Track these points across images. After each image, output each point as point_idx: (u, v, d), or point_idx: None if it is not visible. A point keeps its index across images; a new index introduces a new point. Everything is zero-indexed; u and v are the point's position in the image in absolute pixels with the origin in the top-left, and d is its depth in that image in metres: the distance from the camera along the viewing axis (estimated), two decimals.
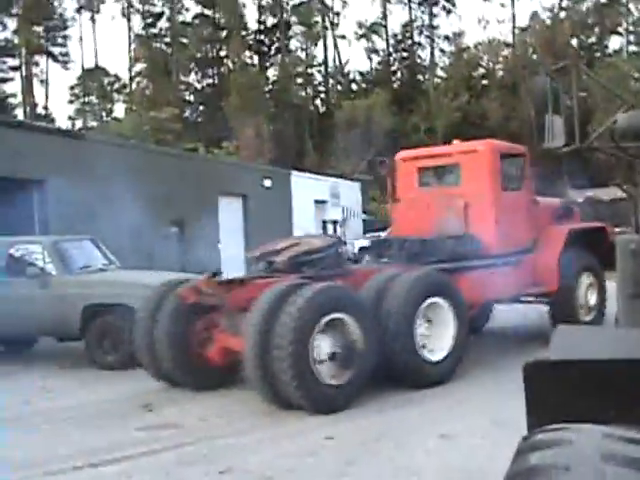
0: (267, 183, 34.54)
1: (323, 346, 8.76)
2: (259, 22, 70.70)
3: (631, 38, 68.18)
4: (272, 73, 70.95)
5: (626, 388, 2.73)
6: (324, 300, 8.87)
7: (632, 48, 67.13)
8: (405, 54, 70.66)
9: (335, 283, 9.56)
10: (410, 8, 69.31)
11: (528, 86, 46.11)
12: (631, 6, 67.14)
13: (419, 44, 70.72)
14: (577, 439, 2.48)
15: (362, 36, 69.20)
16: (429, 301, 10.04)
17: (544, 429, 2.61)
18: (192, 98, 71.61)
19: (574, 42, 62.84)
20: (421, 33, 70.31)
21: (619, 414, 2.72)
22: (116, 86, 70.20)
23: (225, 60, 70.30)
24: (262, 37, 71.15)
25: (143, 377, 10.67)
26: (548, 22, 64.26)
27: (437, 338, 10.11)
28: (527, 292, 12.74)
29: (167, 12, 69.68)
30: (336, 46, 69.45)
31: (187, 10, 70.23)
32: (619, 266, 5.27)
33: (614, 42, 67.77)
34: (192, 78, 71.21)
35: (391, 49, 70.31)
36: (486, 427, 7.67)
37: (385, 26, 69.46)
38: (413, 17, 69.82)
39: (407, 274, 10.14)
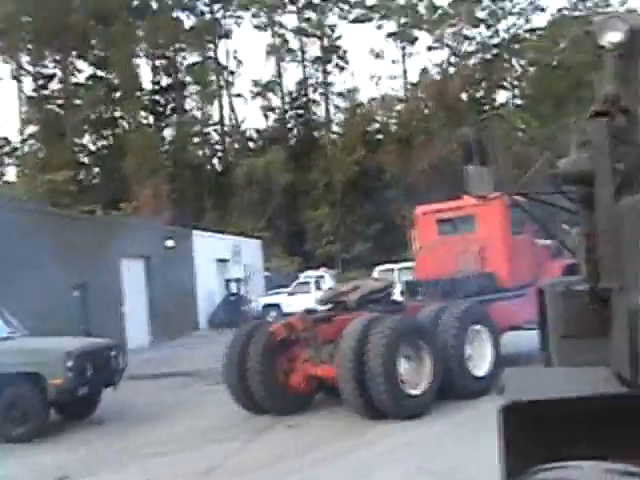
0: (169, 243, 34.15)
1: (405, 366, 11.21)
2: (154, 82, 70.43)
3: (516, 92, 70.79)
4: (169, 133, 70.61)
5: (596, 422, 2.92)
6: (405, 326, 11.47)
7: (517, 101, 69.66)
8: (301, 111, 71.29)
9: (407, 315, 12.34)
10: (304, 66, 70.27)
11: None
12: (514, 62, 69.85)
13: (314, 101, 71.57)
14: (581, 476, 2.46)
15: (258, 94, 69.63)
16: (473, 328, 12.47)
17: (542, 468, 2.58)
18: (87, 160, 70.53)
19: (464, 96, 64.75)
20: (315, 90, 71.23)
21: (597, 448, 2.75)
22: (6, 149, 68.52)
23: (120, 121, 69.62)
24: (157, 97, 70.84)
25: (56, 448, 10.26)
26: (437, 77, 66.12)
27: (478, 358, 12.40)
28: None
29: (59, 74, 68.74)
30: (232, 105, 69.74)
31: (80, 71, 69.43)
32: (550, 309, 5.36)
33: (501, 96, 70.18)
34: (87, 139, 70.18)
35: (287, 106, 70.81)
36: None
37: (280, 84, 70.09)
38: (307, 75, 70.75)
39: (455, 306, 12.59)
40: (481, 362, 12.43)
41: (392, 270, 33.37)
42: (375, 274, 33.55)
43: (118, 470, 9.26)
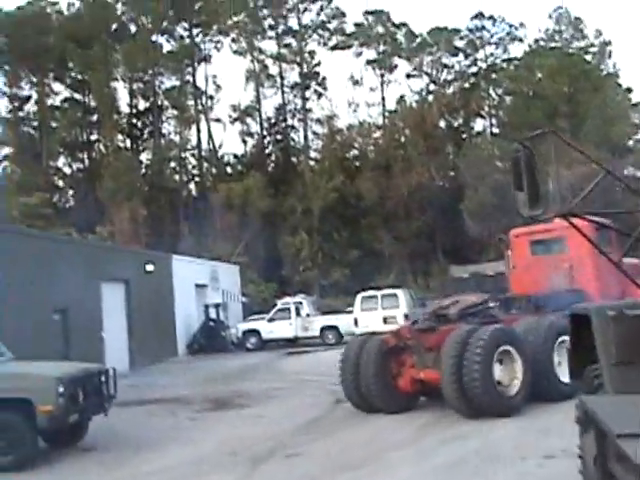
0: (149, 267, 33.61)
1: (498, 370, 12.79)
2: (131, 106, 70.05)
3: (493, 121, 71.23)
4: (145, 157, 70.17)
5: None
6: (499, 335, 13.00)
7: (494, 130, 70.07)
8: (279, 137, 71.20)
9: (501, 325, 13.73)
10: (283, 92, 70.20)
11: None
12: (491, 91, 70.36)
13: (293, 127, 71.50)
14: None
15: (236, 119, 69.44)
16: (560, 339, 13.24)
17: None
18: (62, 183, 69.88)
19: (442, 124, 64.99)
20: (294, 116, 71.17)
21: None
22: None
23: (97, 144, 69.14)
24: (135, 120, 70.41)
25: (51, 478, 9.80)
26: (415, 105, 66.32)
27: (564, 367, 12.83)
28: None
29: (35, 95, 68.22)
30: (210, 129, 69.44)
31: (56, 94, 68.96)
32: (599, 334, 5.07)
33: (478, 124, 70.57)
34: (62, 162, 69.59)
35: (265, 132, 70.71)
36: None
37: (259, 109, 69.99)
38: (286, 101, 70.67)
39: (543, 319, 14.10)
40: (564, 371, 12.87)
41: (375, 297, 32.97)
42: (358, 301, 33.15)
43: None
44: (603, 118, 58.77)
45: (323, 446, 11.31)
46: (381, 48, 69.16)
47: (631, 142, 62.56)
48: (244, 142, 70.61)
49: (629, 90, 64.68)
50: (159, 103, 69.52)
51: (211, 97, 70.29)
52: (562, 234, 16.30)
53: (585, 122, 60.15)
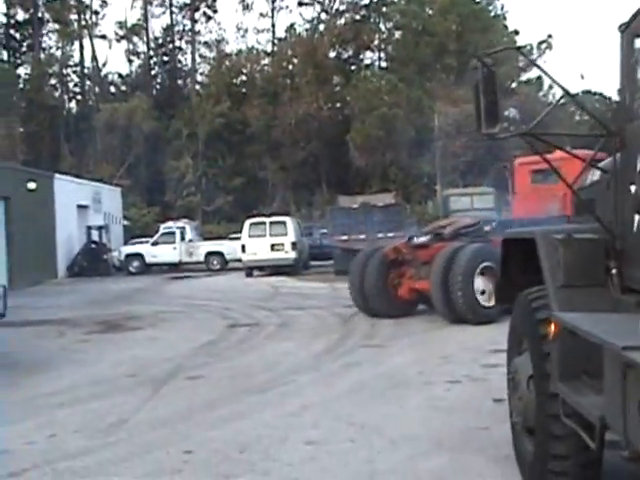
0: (31, 185, 32.57)
1: (481, 283, 14.30)
2: (8, 16, 66.58)
3: (382, 55, 71.26)
4: (24, 71, 67.09)
5: None
6: (481, 253, 14.57)
7: (383, 64, 70.19)
8: (166, 58, 69.42)
9: (486, 243, 15.06)
10: (172, 12, 68.21)
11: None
12: (381, 25, 70.22)
13: (180, 49, 69.79)
14: None
15: (122, 38, 67.11)
16: None
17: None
18: None
19: (332, 55, 64.65)
20: (182, 38, 69.37)
21: None
22: None
23: None
24: (12, 32, 67.12)
25: None
26: (305, 34, 65.67)
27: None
28: None
29: None
30: (93, 46, 66.81)
31: None
32: (546, 258, 5.18)
33: (367, 57, 70.46)
34: None
35: (152, 52, 68.68)
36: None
37: (146, 29, 67.74)
38: (174, 21, 68.73)
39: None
40: None
41: (264, 224, 32.95)
42: (246, 227, 33.06)
43: (22, 422, 8.53)
44: (490, 58, 59.61)
45: (225, 369, 11.32)
46: None
47: (514, 84, 63.88)
48: (129, 62, 68.49)
49: (516, 32, 65.78)
50: (39, 15, 66.32)
51: (96, 12, 67.60)
52: (558, 165, 17.38)
53: (472, 61, 60.92)
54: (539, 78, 63.48)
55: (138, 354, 13.18)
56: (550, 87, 59.05)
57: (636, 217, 4.55)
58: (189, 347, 13.67)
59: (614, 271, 4.96)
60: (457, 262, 14.49)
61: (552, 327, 4.61)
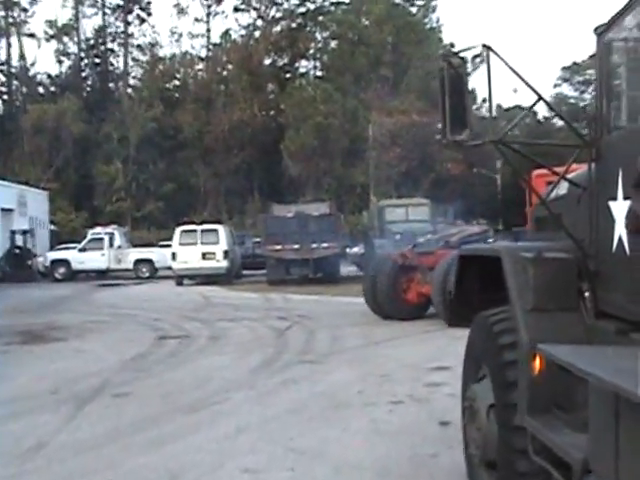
0: None
1: None
2: None
3: (317, 64, 71.12)
4: None
5: None
6: None
7: (318, 73, 70.04)
8: (97, 60, 68.08)
9: None
10: (104, 13, 66.98)
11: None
12: (317, 34, 70.08)
13: (112, 51, 68.57)
14: None
15: (52, 37, 65.53)
16: None
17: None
18: None
19: (267, 62, 64.26)
20: (114, 40, 68.16)
21: None
22: None
23: None
24: None
25: None
26: (240, 40, 65.13)
27: None
28: None
29: None
30: (22, 45, 65.09)
31: None
32: (512, 278, 4.67)
33: (303, 65, 70.25)
34: None
35: (83, 54, 67.33)
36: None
37: (77, 29, 66.35)
38: (107, 23, 67.47)
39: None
40: None
41: (195, 231, 32.26)
42: (177, 235, 32.32)
43: None
44: (424, 70, 60.06)
45: (155, 385, 10.71)
46: None
47: None
48: (59, 62, 67.01)
49: (452, 45, 66.20)
50: None
51: (25, 10, 65.91)
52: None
53: (407, 73, 61.31)
54: (471, 92, 63.86)
55: (61, 368, 12.44)
56: (483, 100, 59.25)
57: (616, 236, 4.13)
58: (116, 360, 12.97)
59: (587, 294, 4.53)
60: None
61: (536, 361, 4.15)
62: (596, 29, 4.59)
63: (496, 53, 4.42)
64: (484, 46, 4.42)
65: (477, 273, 5.72)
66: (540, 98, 4.65)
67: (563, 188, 5.23)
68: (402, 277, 17.12)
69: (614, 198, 4.14)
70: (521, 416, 4.28)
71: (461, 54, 4.56)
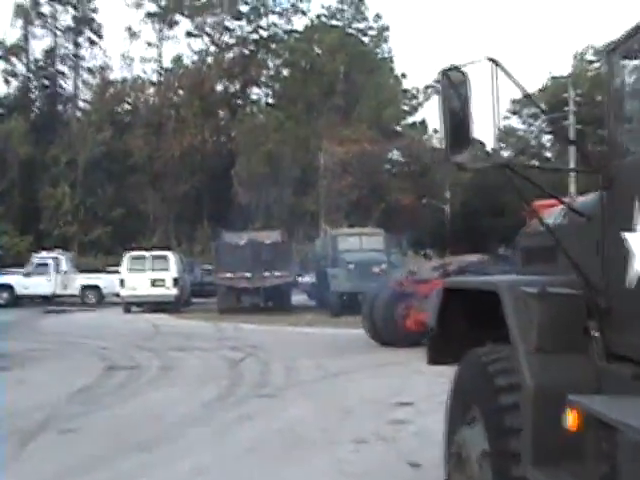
0: None
1: None
2: None
3: (269, 91, 71.02)
4: None
5: None
6: None
7: (270, 100, 69.92)
8: (46, 81, 67.05)
9: None
10: (55, 34, 66.04)
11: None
12: (269, 61, 70.01)
13: (62, 73, 67.52)
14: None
15: (0, 57, 64.42)
16: None
17: None
18: None
19: (219, 88, 63.99)
20: (64, 62, 67.18)
21: None
22: None
23: None
24: None
25: None
26: (192, 66, 64.81)
27: None
28: None
29: None
30: None
31: None
32: (513, 315, 4.20)
33: (254, 93, 70.13)
34: None
35: (31, 75, 66.26)
36: None
37: (26, 50, 65.35)
38: (57, 44, 66.52)
39: None
40: None
41: (144, 258, 31.66)
42: (125, 261, 31.68)
43: None
44: (376, 100, 60.26)
45: (104, 420, 10.18)
46: (163, 2, 66.75)
47: (399, 127, 64.63)
48: (7, 82, 65.80)
49: (404, 76, 66.75)
50: None
51: None
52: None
53: (359, 102, 61.50)
54: (423, 122, 64.54)
55: (2, 401, 11.82)
56: (435, 131, 59.59)
57: (631, 270, 3.77)
58: (62, 392, 12.35)
59: (597, 334, 4.15)
60: None
61: (573, 416, 3.63)
62: (606, 46, 4.25)
63: (503, 68, 4.03)
64: (489, 59, 4.02)
65: (464, 307, 5.30)
66: (542, 111, 4.31)
67: (560, 217, 4.91)
68: (401, 304, 17.33)
69: (628, 228, 3.80)
70: (524, 466, 3.90)
71: (462, 68, 4.15)
